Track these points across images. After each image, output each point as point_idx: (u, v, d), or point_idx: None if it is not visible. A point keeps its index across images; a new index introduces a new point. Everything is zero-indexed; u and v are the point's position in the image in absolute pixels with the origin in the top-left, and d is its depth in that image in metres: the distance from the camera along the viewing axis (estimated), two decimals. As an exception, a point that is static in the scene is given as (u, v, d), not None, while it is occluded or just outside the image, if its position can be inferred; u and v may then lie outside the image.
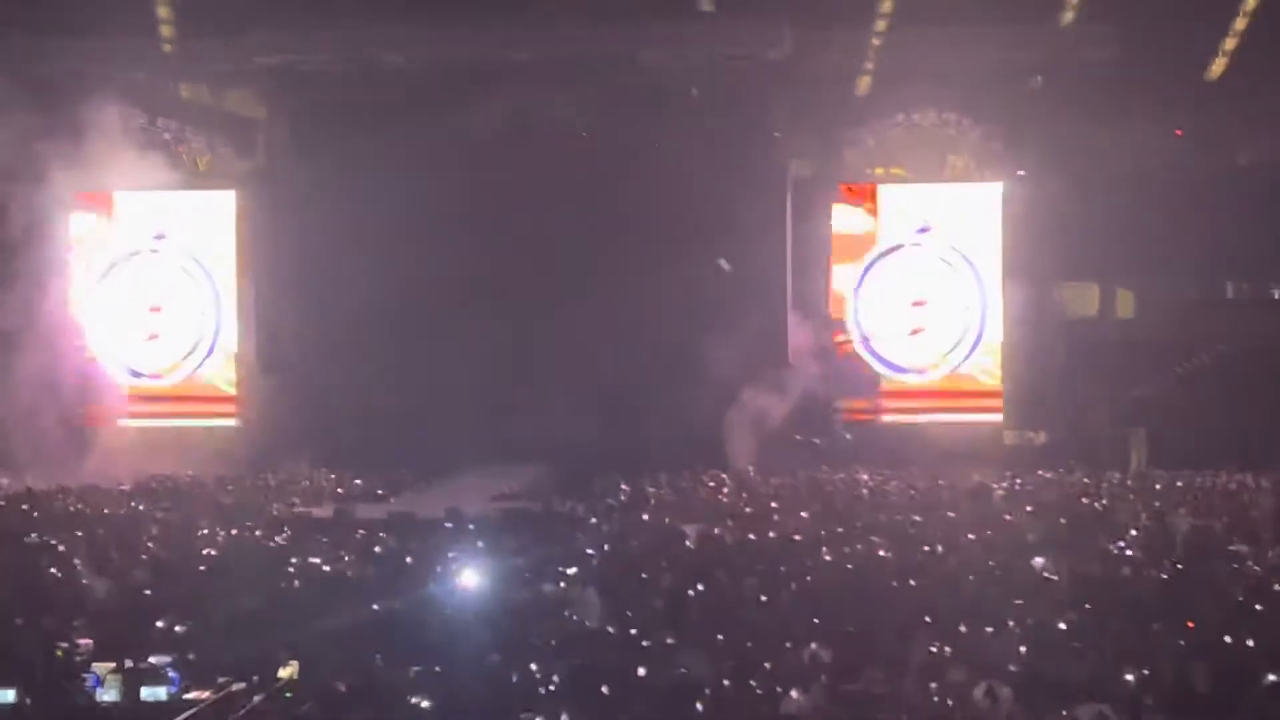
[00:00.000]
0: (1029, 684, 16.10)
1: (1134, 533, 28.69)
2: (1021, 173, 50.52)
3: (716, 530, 29.83)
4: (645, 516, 33.57)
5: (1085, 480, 40.88)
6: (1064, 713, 15.12)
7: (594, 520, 32.87)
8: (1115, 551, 26.35)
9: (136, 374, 50.17)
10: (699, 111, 49.72)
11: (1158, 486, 39.02)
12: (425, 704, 16.08)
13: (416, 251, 47.45)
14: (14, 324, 45.50)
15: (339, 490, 40.71)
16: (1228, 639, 18.41)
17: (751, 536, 28.85)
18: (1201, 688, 15.86)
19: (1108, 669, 16.72)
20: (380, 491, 40.72)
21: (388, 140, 47.62)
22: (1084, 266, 50.92)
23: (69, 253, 49.18)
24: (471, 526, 30.63)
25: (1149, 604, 20.83)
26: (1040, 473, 42.77)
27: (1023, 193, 49.87)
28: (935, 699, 15.92)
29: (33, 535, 29.70)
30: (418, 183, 47.62)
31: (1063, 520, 31.23)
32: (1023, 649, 17.98)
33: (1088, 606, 20.31)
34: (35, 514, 34.10)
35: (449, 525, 30.76)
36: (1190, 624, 19.06)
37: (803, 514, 32.92)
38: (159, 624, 20.04)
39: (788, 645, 18.03)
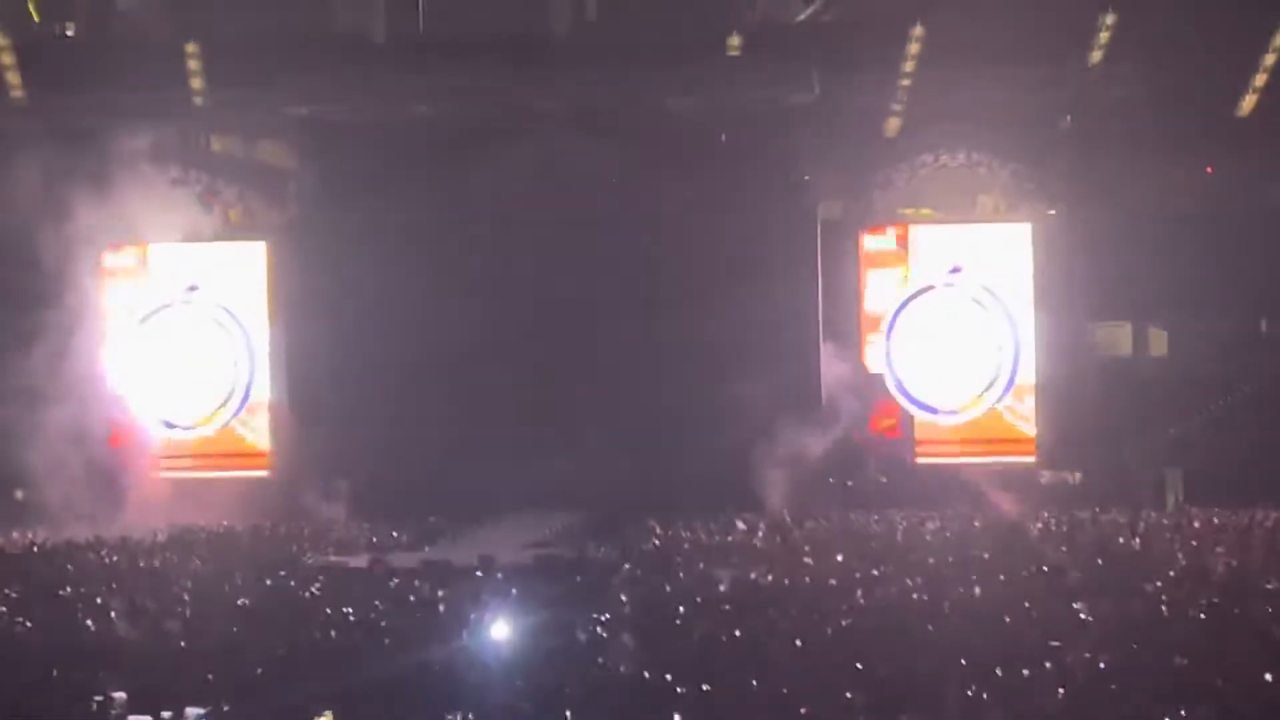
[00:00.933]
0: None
1: (1171, 573, 28.49)
2: (1052, 212, 50.42)
3: (751, 575, 29.73)
4: (678, 561, 33.46)
5: (1121, 520, 40.66)
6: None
7: (627, 566, 32.78)
8: (1152, 591, 26.20)
9: (170, 425, 50.24)
10: (728, 156, 49.74)
11: (1195, 525, 38.79)
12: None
13: (447, 299, 47.54)
14: (47, 376, 45.57)
15: (373, 539, 40.67)
16: (1268, 677, 18.28)
17: (786, 581, 28.75)
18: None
19: (1146, 710, 16.59)
20: (413, 540, 40.66)
21: (417, 189, 47.76)
22: (1116, 305, 50.74)
23: (102, 305, 49.29)
24: (504, 574, 30.60)
25: (1187, 644, 20.69)
26: (1076, 512, 42.56)
27: (1053, 232, 49.78)
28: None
29: (67, 588, 29.74)
30: (447, 230, 47.76)
31: (1099, 560, 31.07)
32: (1060, 691, 17.84)
33: (1125, 647, 20.19)
34: (69, 566, 34.13)
35: (482, 573, 30.73)
36: (1229, 663, 18.92)
37: (837, 557, 32.81)
38: (193, 675, 20.03)
39: (824, 690, 17.94)
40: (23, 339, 44.94)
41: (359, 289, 48.39)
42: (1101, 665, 19.28)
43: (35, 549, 38.47)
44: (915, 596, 25.86)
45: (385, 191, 48.06)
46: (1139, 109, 49.11)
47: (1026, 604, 24.39)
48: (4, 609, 27.19)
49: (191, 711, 17.28)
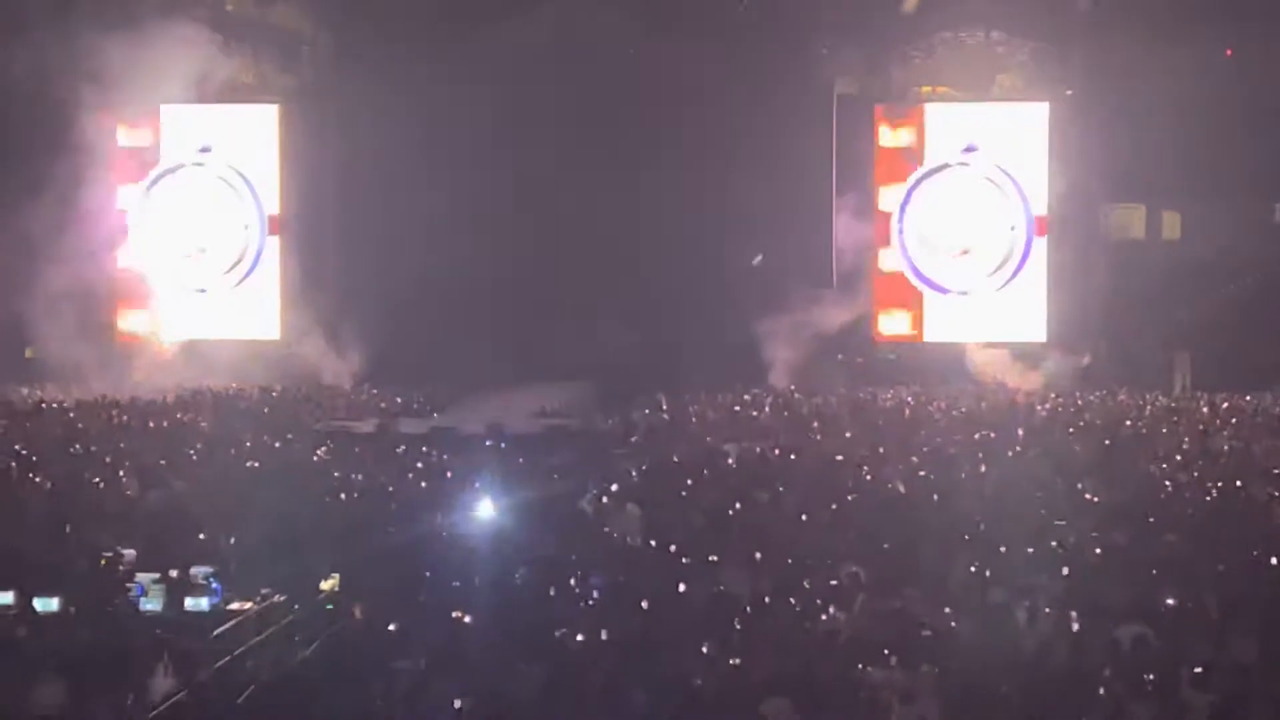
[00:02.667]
0: (1070, 604, 16.08)
1: (1177, 456, 28.57)
2: (1070, 92, 50.07)
3: (758, 449, 29.82)
4: (685, 434, 33.57)
5: (1128, 402, 40.74)
6: (1105, 634, 15.10)
7: (635, 438, 32.88)
8: (1157, 473, 26.28)
9: (182, 287, 50.24)
10: (745, 28, 49.36)
11: (1202, 409, 38.87)
12: (464, 618, 16.15)
13: (458, 166, 47.41)
14: (60, 238, 45.53)
15: (381, 405, 40.80)
16: (1274, 560, 18.39)
17: (792, 455, 28.84)
18: (1241, 610, 15.83)
19: (1149, 590, 16.68)
20: (421, 407, 40.78)
21: (431, 54, 47.48)
22: (1131, 188, 50.52)
23: (113, 164, 49.14)
24: (512, 443, 30.70)
25: (1190, 526, 20.78)
26: (1084, 394, 42.65)
27: (1071, 113, 49.47)
28: (974, 618, 15.92)
29: (76, 446, 29.90)
30: (460, 96, 47.50)
31: (1105, 441, 31.14)
32: (1063, 570, 17.94)
33: (1129, 529, 20.28)
34: (80, 425, 34.31)
35: (490, 441, 30.84)
36: (1231, 546, 19.01)
37: (844, 433, 32.91)
38: (202, 535, 20.17)
39: (827, 563, 18.05)
40: (34, 198, 44.82)
41: (370, 153, 48.19)
42: (1105, 545, 19.37)
43: (44, 407, 38.65)
44: (921, 474, 25.94)
45: (399, 57, 47.76)
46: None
47: (1031, 483, 24.47)
48: (14, 465, 27.37)
49: (198, 570, 17.39)
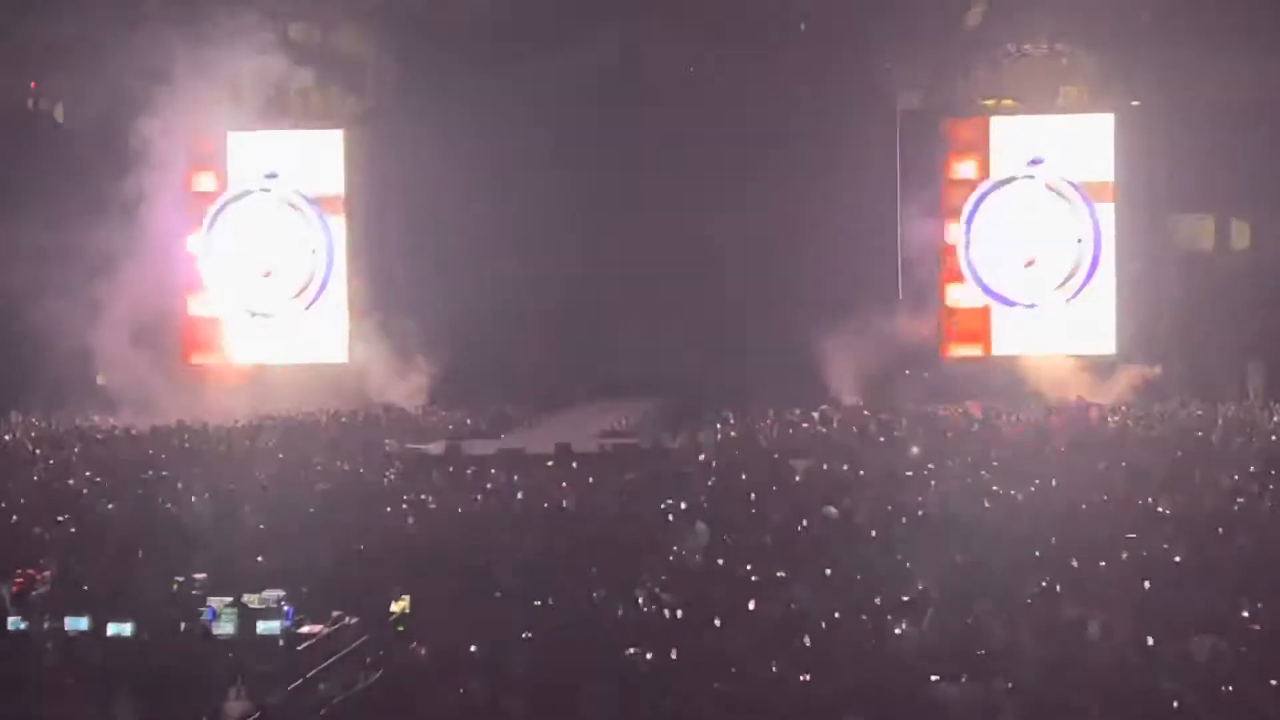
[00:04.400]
0: (1143, 618, 15.96)
1: (1251, 468, 28.31)
2: (1136, 103, 49.76)
3: (825, 465, 29.75)
4: (754, 451, 33.52)
5: (1200, 413, 40.43)
6: (1179, 647, 14.99)
7: (702, 456, 32.86)
8: (1230, 485, 26.06)
9: (251, 312, 50.54)
10: (808, 42, 49.31)
11: (1275, 419, 38.52)
12: (534, 638, 16.17)
13: (522, 188, 47.51)
14: (130, 265, 45.87)
15: (449, 427, 40.92)
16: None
17: (860, 472, 28.76)
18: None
19: (1222, 603, 16.54)
20: (489, 428, 40.88)
21: (493, 75, 47.59)
22: (1199, 198, 50.13)
23: (181, 190, 49.47)
24: (580, 463, 30.74)
25: (1265, 538, 20.60)
26: (1155, 406, 42.35)
27: (1137, 123, 49.17)
28: (1047, 634, 15.82)
29: (149, 471, 30.11)
30: (524, 118, 47.57)
31: (1178, 453, 30.92)
32: (1137, 583, 17.81)
33: (1202, 541, 20.12)
34: (152, 451, 34.56)
35: (557, 461, 30.88)
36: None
37: (912, 448, 32.78)
38: (273, 559, 20.27)
39: (897, 579, 17.99)
40: (103, 224, 45.18)
41: (435, 176, 48.35)
42: (1177, 559, 19.23)
43: (118, 433, 38.96)
44: (991, 489, 25.81)
45: (462, 80, 47.91)
46: (1227, -2, 48.30)
47: (1103, 497, 24.32)
48: (88, 491, 27.59)
49: (270, 594, 17.48)
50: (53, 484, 29.25)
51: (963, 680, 14.13)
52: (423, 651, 16.48)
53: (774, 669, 14.57)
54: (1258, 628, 15.79)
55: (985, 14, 50.74)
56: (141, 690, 14.60)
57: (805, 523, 22.33)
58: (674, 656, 15.19)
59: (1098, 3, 48.80)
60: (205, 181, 50.25)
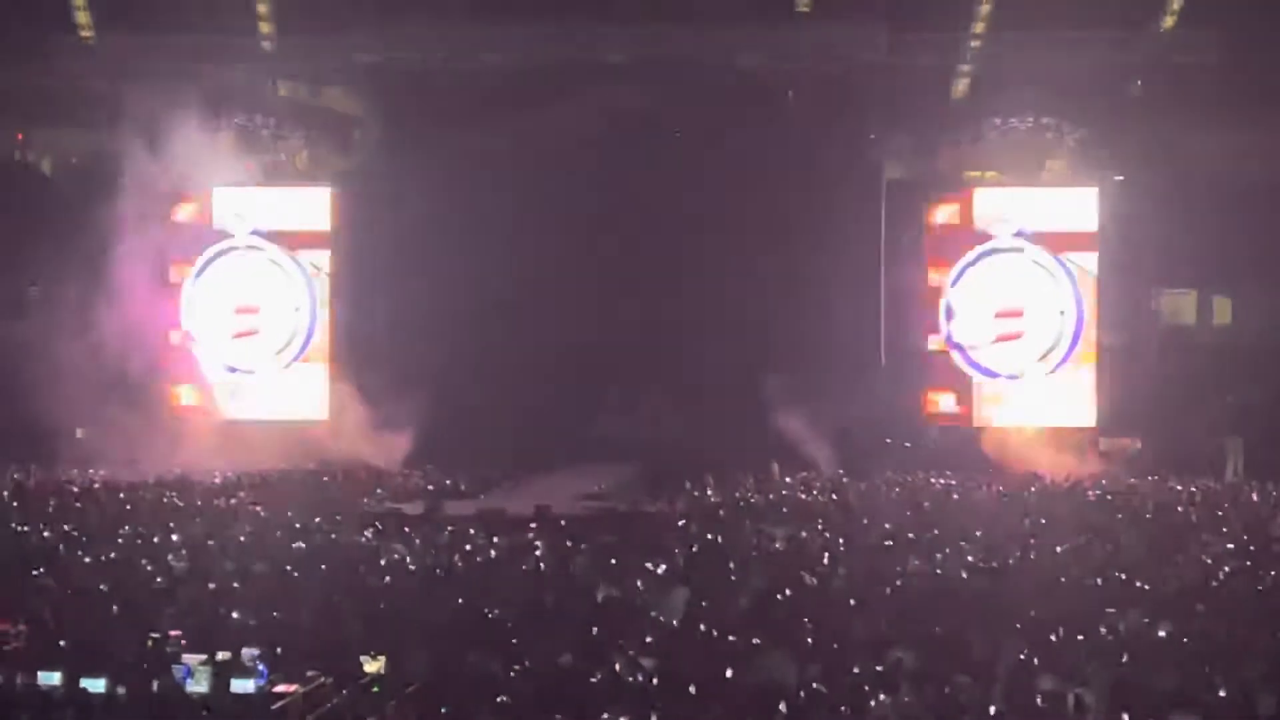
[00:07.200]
0: (1120, 692, 15.93)
1: (1229, 544, 28.32)
2: (1119, 177, 50.04)
3: (804, 533, 29.71)
4: (733, 517, 33.46)
5: (1179, 488, 40.45)
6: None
7: (681, 521, 32.80)
8: (1209, 561, 26.06)
9: (231, 368, 50.51)
10: (794, 114, 49.57)
11: (1254, 496, 38.57)
12: (509, 701, 16.09)
13: (508, 250, 47.57)
14: (111, 319, 45.84)
15: (429, 487, 40.82)
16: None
17: (840, 540, 28.72)
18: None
19: (1200, 678, 16.52)
20: (469, 488, 40.80)
21: (482, 138, 47.74)
22: (1182, 273, 50.40)
23: (166, 248, 49.47)
24: (559, 525, 30.68)
25: (1242, 614, 20.58)
26: (1133, 480, 42.39)
27: (1120, 197, 49.42)
28: (1024, 706, 15.78)
29: (125, 527, 29.99)
30: (511, 181, 47.76)
31: (1157, 528, 30.92)
32: (1115, 657, 17.79)
33: (1180, 615, 20.10)
34: (129, 506, 34.42)
35: (536, 523, 30.81)
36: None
37: (892, 518, 32.74)
38: (248, 617, 20.17)
39: (875, 649, 17.94)
40: (85, 278, 45.19)
41: (420, 236, 48.44)
42: (1158, 634, 19.22)
43: (95, 488, 38.80)
44: (970, 559, 25.79)
45: (450, 140, 48.08)
46: (1209, 75, 48.58)
47: (1081, 570, 24.31)
48: (64, 546, 27.46)
49: (246, 652, 17.40)
50: (28, 536, 29.11)
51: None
52: (398, 713, 16.40)
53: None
54: (1233, 706, 15.76)
55: (971, 87, 51.09)
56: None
57: (784, 590, 22.25)
58: (650, 722, 15.15)
59: (1083, 78, 49.13)
60: (190, 236, 50.22)
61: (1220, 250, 48.55)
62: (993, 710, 15.52)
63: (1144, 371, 49.39)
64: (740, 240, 48.00)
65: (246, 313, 50.48)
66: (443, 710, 16.01)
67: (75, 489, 38.31)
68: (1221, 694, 16.08)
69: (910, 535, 29.13)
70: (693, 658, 17.94)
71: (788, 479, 41.79)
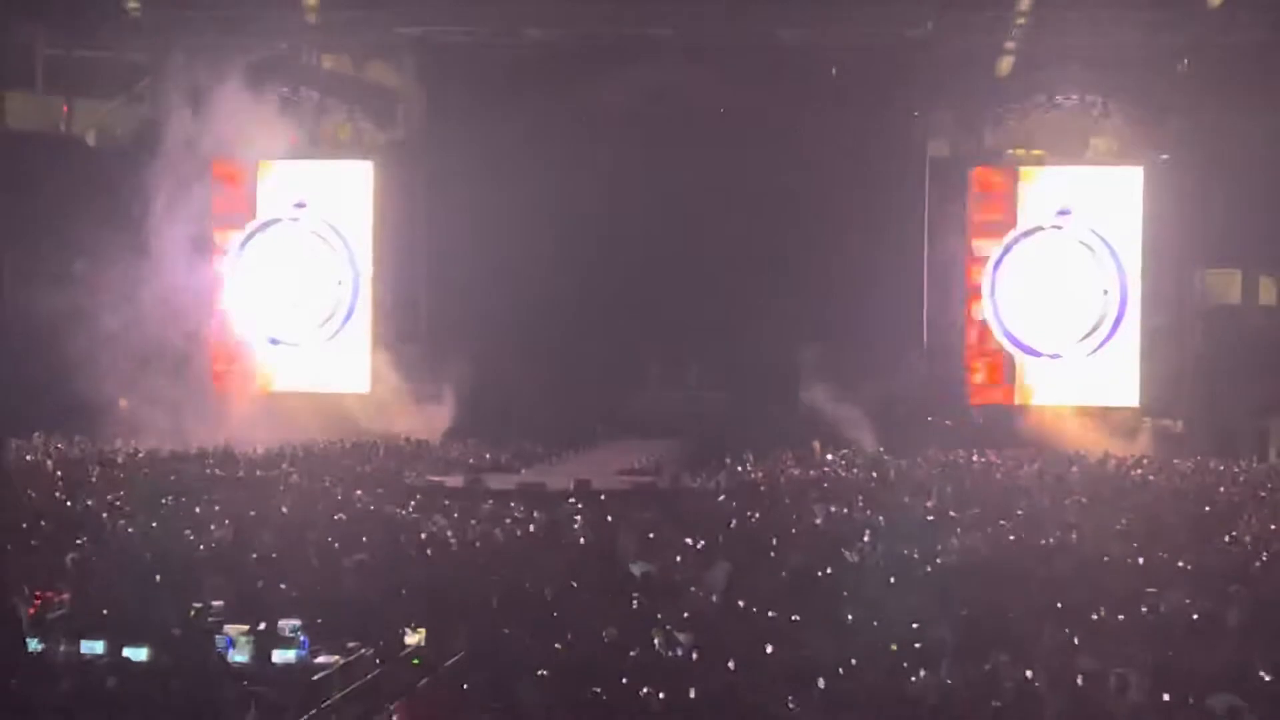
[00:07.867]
0: (1161, 673, 15.89)
1: (1273, 525, 28.20)
2: (1165, 156, 49.75)
3: (846, 509, 29.69)
4: (774, 493, 33.46)
5: (1221, 469, 40.28)
6: (1198, 703, 14.92)
7: (722, 497, 32.82)
8: (1250, 542, 25.96)
9: (275, 340, 50.64)
10: (838, 89, 49.38)
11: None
12: (548, 674, 16.13)
13: (550, 225, 47.49)
14: (156, 291, 46.00)
15: (470, 460, 40.91)
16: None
17: (881, 518, 28.69)
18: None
19: (1242, 661, 16.46)
20: (510, 462, 40.85)
21: (525, 113, 47.73)
22: (1227, 252, 50.03)
23: (210, 219, 49.64)
24: (600, 500, 30.71)
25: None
26: (1176, 461, 42.22)
27: (1165, 177, 49.14)
28: (1064, 685, 15.76)
29: (169, 498, 30.14)
30: (554, 156, 47.71)
31: (1201, 509, 30.80)
32: (1156, 638, 17.74)
33: (1222, 597, 20.04)
34: (173, 477, 34.58)
35: (577, 498, 30.85)
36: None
37: (933, 495, 32.70)
38: (289, 587, 20.26)
39: (915, 626, 17.93)
40: (130, 250, 45.33)
41: (463, 210, 48.48)
42: (1196, 615, 19.15)
43: (138, 458, 39.01)
44: (1011, 538, 25.74)
45: (493, 113, 48.05)
46: (1256, 54, 48.21)
47: (1123, 550, 24.23)
48: (108, 515, 27.62)
49: (286, 623, 17.48)
50: (73, 506, 29.29)
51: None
52: (437, 685, 16.46)
53: (789, 713, 14.51)
54: (1276, 687, 15.71)
55: (1016, 64, 50.81)
56: (155, 716, 14.58)
57: (825, 567, 22.25)
58: (689, 698, 15.15)
59: (1129, 57, 48.80)
60: (234, 209, 50.36)
61: (1266, 230, 48.20)
62: (1033, 689, 15.49)
63: (1188, 352, 49.17)
64: (782, 216, 47.90)
65: (289, 285, 50.56)
66: (482, 683, 16.04)
67: (119, 459, 38.53)
68: (1263, 676, 16.02)
69: (951, 513, 29.09)
70: (732, 633, 17.96)
71: (829, 456, 41.77)
